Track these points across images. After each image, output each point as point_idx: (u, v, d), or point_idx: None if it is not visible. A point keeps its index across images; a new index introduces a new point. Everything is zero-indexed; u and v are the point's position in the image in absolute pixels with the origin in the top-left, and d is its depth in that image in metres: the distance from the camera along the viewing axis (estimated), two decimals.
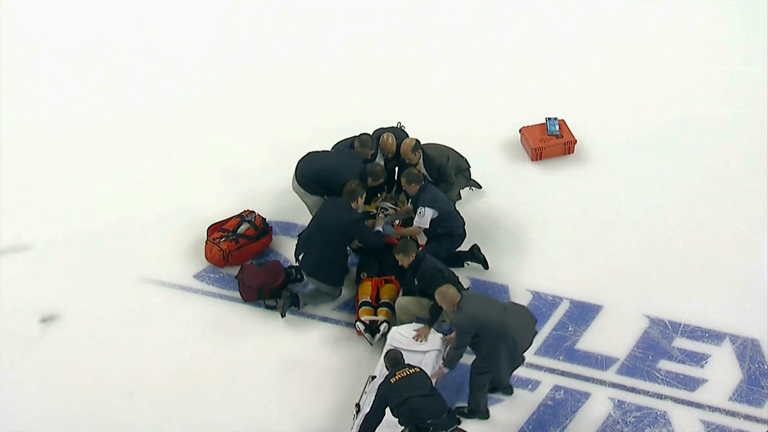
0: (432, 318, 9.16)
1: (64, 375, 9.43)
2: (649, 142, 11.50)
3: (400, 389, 8.09)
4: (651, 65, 12.42)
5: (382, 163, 10.28)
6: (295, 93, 12.17)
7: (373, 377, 8.79)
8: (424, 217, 9.64)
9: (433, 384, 8.40)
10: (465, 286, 9.72)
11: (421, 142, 10.33)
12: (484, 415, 8.92)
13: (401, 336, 9.07)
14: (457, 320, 8.46)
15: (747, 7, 13.06)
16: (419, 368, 8.30)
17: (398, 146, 10.23)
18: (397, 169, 10.44)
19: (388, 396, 8.11)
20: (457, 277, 9.39)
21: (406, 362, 8.41)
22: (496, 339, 8.41)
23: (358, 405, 8.73)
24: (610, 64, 12.51)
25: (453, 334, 8.79)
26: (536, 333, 8.74)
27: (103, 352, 9.59)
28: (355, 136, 10.19)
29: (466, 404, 8.89)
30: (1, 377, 9.41)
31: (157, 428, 9.04)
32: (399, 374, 8.17)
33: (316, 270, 9.67)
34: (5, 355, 9.56)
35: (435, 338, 9.09)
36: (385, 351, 8.89)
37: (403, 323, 9.37)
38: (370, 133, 10.30)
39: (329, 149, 10.36)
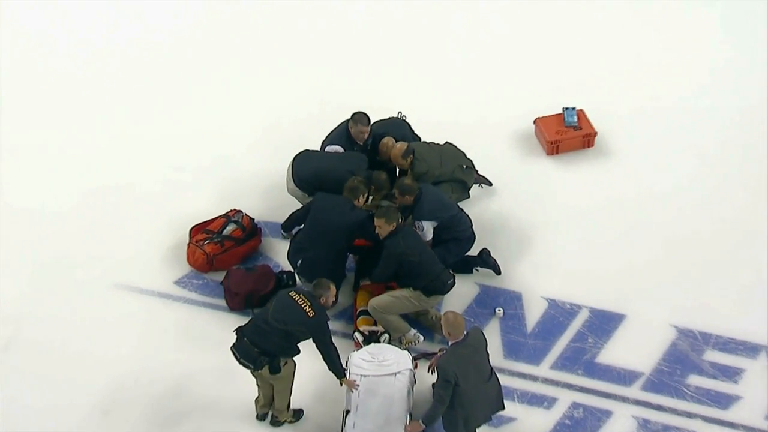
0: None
1: (33, 391, 9.22)
2: (677, 134, 11.32)
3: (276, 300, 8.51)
4: (677, 51, 12.23)
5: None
6: (296, 83, 12.01)
7: (347, 411, 8.61)
8: (425, 231, 9.65)
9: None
10: (473, 293, 9.74)
11: (422, 138, 10.42)
12: None
13: (362, 361, 8.79)
14: (443, 362, 8.29)
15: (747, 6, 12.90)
16: (308, 304, 8.34)
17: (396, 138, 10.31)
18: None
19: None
20: (441, 270, 9.24)
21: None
22: (457, 402, 8.23)
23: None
24: (634, 50, 12.32)
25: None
26: (491, 418, 8.57)
27: (76, 367, 9.38)
28: (347, 120, 10.12)
29: None
30: None
31: None
32: (291, 294, 8.41)
33: (318, 275, 9.31)
34: None
35: (403, 358, 8.90)
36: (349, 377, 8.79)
37: (391, 328, 9.33)
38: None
39: (326, 139, 10.30)
